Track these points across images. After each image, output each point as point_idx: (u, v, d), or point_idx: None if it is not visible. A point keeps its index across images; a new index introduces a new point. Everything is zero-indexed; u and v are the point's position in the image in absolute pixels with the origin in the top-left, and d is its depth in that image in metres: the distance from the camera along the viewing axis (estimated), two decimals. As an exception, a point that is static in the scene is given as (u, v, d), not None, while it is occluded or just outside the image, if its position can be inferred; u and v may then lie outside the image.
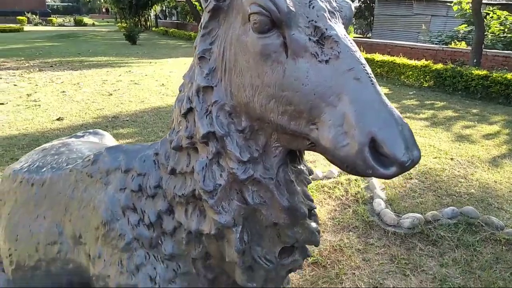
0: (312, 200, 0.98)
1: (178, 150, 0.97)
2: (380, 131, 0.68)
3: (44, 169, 1.30)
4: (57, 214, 1.20)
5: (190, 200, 0.96)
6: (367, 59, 10.97)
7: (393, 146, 0.67)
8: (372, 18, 26.28)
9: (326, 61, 0.73)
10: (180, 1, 33.86)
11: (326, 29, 0.74)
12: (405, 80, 9.69)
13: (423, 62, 9.23)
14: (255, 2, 0.74)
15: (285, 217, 0.90)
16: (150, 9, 34.67)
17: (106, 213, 1.06)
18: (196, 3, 28.35)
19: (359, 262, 2.76)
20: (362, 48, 12.19)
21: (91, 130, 1.77)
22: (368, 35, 28.35)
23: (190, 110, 0.91)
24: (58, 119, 6.06)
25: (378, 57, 10.70)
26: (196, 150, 0.93)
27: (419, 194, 3.71)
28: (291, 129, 0.78)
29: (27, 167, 1.37)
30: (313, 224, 0.97)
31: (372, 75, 0.74)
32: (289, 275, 2.46)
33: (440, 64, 9.07)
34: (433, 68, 8.86)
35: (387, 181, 3.96)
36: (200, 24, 0.92)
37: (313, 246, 2.91)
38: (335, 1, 0.82)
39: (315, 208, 1.00)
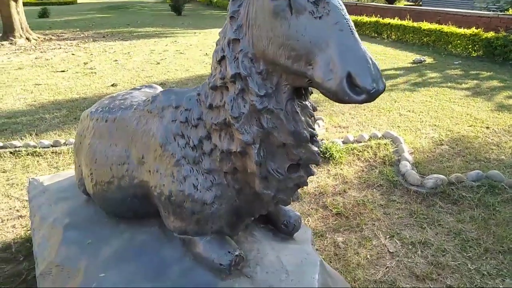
0: (313, 129, 1.26)
1: (214, 89, 1.29)
2: (354, 68, 0.94)
3: (115, 109, 1.69)
4: (125, 142, 1.59)
5: (222, 127, 1.29)
6: (413, 28, 10.61)
7: (362, 79, 0.94)
8: (424, -16, 24.65)
9: (320, 17, 1.00)
10: (225, -30, 33.62)
11: None
12: (452, 50, 9.32)
13: (472, 30, 8.80)
14: None
15: (291, 139, 1.20)
16: (195, -21, 34.79)
17: (162, 138, 1.42)
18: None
19: (380, 215, 3.01)
20: (409, 16, 11.74)
21: (147, 84, 2.15)
22: (419, 3, 26.75)
23: (223, 58, 1.22)
24: (112, 85, 6.66)
25: (425, 25, 10.30)
26: (227, 89, 1.24)
27: (447, 158, 3.83)
28: (294, 69, 1.06)
29: (101, 109, 1.77)
30: (314, 148, 1.26)
31: (353, 27, 1.00)
32: (312, 226, 2.76)
33: (491, 32, 8.61)
34: (483, 37, 8.44)
35: (416, 146, 4.11)
36: (231, -9, 1.22)
37: (338, 200, 3.15)
38: None
39: (317, 135, 1.28)
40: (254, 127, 1.20)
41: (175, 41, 11.69)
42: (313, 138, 1.26)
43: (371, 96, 0.95)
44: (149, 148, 1.48)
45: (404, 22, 11.09)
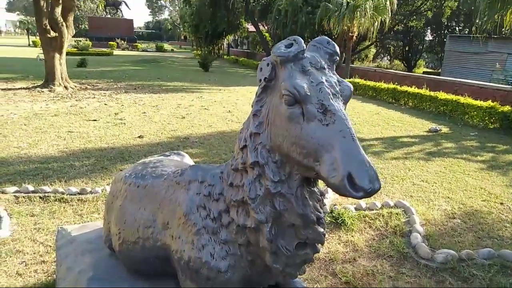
0: (320, 212, 1.44)
1: (235, 171, 1.50)
2: (354, 169, 1.14)
3: (147, 176, 1.92)
4: (153, 208, 1.79)
5: (240, 204, 1.48)
6: (430, 97, 10.93)
7: (361, 179, 1.13)
8: (442, 53, 25.57)
9: (327, 125, 1.22)
10: (252, 31, 35.87)
11: (328, 105, 1.23)
12: (468, 121, 9.50)
13: (488, 103, 9.03)
14: (286, 89, 1.26)
15: (299, 221, 1.37)
16: (224, 39, 37.15)
17: (186, 208, 1.62)
18: (267, 34, 29.89)
19: (389, 288, 3.03)
20: (426, 86, 12.13)
21: (175, 151, 2.41)
22: (439, 70, 27.54)
23: (245, 146, 1.45)
24: (139, 137, 7.04)
25: (442, 95, 10.62)
26: (246, 172, 1.45)
27: (459, 233, 3.86)
28: (304, 163, 1.27)
29: (134, 174, 2.01)
30: (320, 229, 1.42)
31: (354, 134, 1.21)
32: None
33: (508, 106, 8.80)
34: (499, 110, 8.64)
35: (428, 217, 4.16)
36: (255, 93, 1.47)
37: (348, 269, 3.21)
38: (339, 86, 1.31)
39: (323, 217, 1.45)
40: (267, 207, 1.38)
41: (201, 96, 12.34)
42: (319, 220, 1.43)
43: (368, 194, 1.14)
44: (174, 215, 1.68)
45: (421, 91, 11.46)
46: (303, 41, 1.32)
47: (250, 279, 1.60)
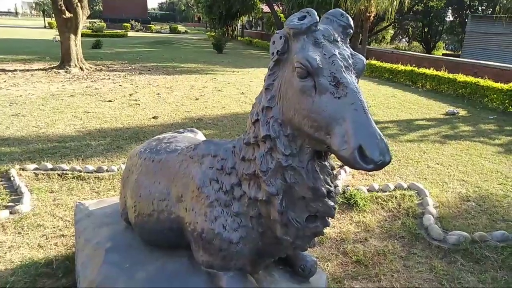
0: (331, 186, 1.45)
1: (247, 145, 1.52)
2: (365, 142, 1.14)
3: (161, 151, 1.96)
4: (167, 181, 1.83)
5: (252, 178, 1.50)
6: (448, 80, 10.67)
7: (371, 151, 1.13)
8: (463, 35, 24.76)
9: (339, 97, 1.22)
10: (267, 12, 35.32)
11: (341, 78, 1.23)
12: (488, 104, 9.27)
13: (510, 85, 8.76)
14: (299, 61, 1.26)
15: (310, 194, 1.39)
16: (238, 20, 36.73)
17: (200, 181, 1.65)
18: (282, 14, 29.39)
19: (399, 267, 3.04)
20: (445, 68, 11.82)
21: (189, 129, 2.45)
22: (459, 52, 26.73)
23: (257, 120, 1.46)
24: (153, 117, 7.12)
25: (461, 77, 10.36)
26: (258, 146, 1.46)
27: (472, 215, 3.83)
28: (315, 136, 1.28)
29: (149, 149, 2.05)
30: (331, 202, 1.44)
31: (366, 107, 1.20)
32: (329, 270, 2.87)
33: (530, 89, 8.54)
34: (521, 93, 8.40)
35: (442, 200, 4.13)
36: (268, 67, 1.47)
37: (359, 248, 3.24)
38: (352, 59, 1.30)
39: (333, 191, 1.47)
40: (278, 180, 1.40)
41: (214, 78, 12.32)
42: (330, 194, 1.44)
43: (378, 166, 1.14)
44: (187, 189, 1.72)
45: (440, 73, 11.18)
46: (316, 13, 1.30)
47: (261, 251, 1.64)
